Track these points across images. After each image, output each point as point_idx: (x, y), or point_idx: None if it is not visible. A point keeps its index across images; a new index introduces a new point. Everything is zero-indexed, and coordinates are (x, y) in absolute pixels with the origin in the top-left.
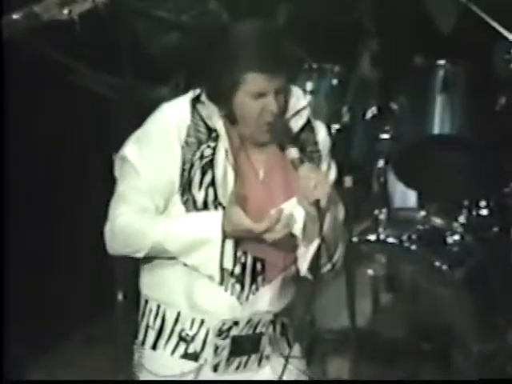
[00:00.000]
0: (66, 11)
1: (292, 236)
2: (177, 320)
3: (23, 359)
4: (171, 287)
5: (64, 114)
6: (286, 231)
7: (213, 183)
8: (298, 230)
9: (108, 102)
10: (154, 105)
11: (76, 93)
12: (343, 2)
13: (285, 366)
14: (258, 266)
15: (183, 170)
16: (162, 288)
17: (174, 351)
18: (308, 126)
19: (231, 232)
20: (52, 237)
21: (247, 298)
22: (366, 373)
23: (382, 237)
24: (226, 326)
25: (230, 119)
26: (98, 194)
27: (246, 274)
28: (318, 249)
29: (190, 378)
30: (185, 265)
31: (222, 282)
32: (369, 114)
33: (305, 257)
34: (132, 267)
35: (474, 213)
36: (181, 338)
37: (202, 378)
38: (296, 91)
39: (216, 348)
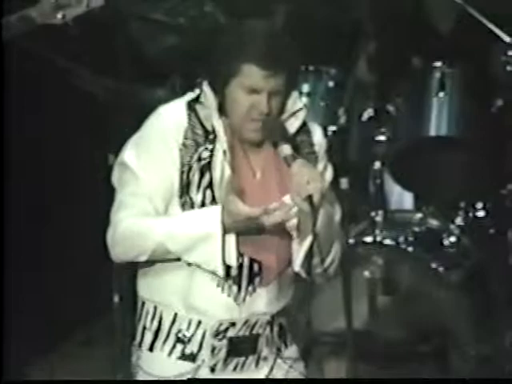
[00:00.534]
0: (60, 15)
1: (289, 237)
2: (174, 321)
3: (23, 359)
4: (168, 289)
5: (62, 115)
6: (284, 217)
7: (210, 185)
8: (292, 226)
9: (105, 103)
10: (151, 106)
11: (73, 95)
12: (340, 4)
13: (274, 361)
14: (255, 268)
15: (182, 172)
16: (158, 290)
17: (171, 352)
18: (304, 128)
19: (231, 224)
20: (52, 237)
21: (244, 300)
22: (362, 375)
23: (378, 239)
24: (222, 327)
25: (223, 111)
26: (97, 196)
27: (243, 275)
28: (312, 246)
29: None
30: (189, 264)
31: (226, 277)
32: (365, 116)
33: (298, 253)
34: (128, 269)
35: (471, 214)
36: (178, 339)
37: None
38: (293, 93)
39: (213, 349)
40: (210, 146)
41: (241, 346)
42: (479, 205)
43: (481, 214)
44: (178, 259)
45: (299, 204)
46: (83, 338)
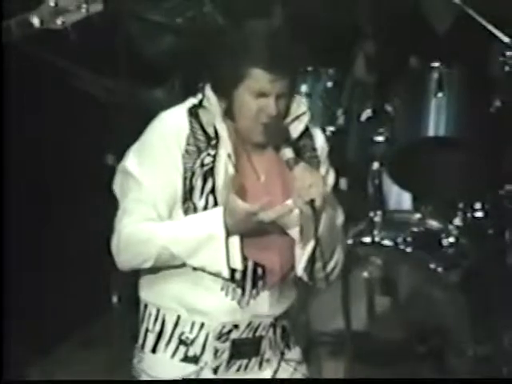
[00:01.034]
0: (59, 21)
1: (292, 241)
2: (177, 324)
3: (23, 359)
4: (171, 293)
5: (62, 115)
6: (282, 212)
7: (213, 190)
8: (294, 231)
9: (105, 104)
10: (151, 107)
11: (73, 95)
12: (338, 4)
13: (278, 364)
14: (259, 271)
15: (185, 178)
16: (161, 294)
17: (173, 354)
18: (307, 132)
19: (233, 224)
20: (52, 237)
21: (248, 303)
22: (361, 375)
23: (377, 239)
24: (225, 329)
25: (230, 115)
26: (97, 196)
27: (247, 278)
28: (314, 251)
29: None
30: (194, 269)
31: (231, 280)
32: (364, 117)
33: (300, 258)
34: (126, 271)
35: (469, 215)
36: (181, 342)
37: None
38: (297, 97)
39: (216, 351)
40: (212, 152)
41: (244, 348)
42: (477, 205)
43: (479, 214)
44: (182, 266)
45: (301, 208)
46: (83, 338)
